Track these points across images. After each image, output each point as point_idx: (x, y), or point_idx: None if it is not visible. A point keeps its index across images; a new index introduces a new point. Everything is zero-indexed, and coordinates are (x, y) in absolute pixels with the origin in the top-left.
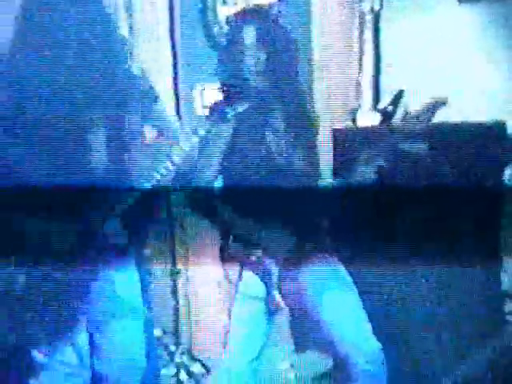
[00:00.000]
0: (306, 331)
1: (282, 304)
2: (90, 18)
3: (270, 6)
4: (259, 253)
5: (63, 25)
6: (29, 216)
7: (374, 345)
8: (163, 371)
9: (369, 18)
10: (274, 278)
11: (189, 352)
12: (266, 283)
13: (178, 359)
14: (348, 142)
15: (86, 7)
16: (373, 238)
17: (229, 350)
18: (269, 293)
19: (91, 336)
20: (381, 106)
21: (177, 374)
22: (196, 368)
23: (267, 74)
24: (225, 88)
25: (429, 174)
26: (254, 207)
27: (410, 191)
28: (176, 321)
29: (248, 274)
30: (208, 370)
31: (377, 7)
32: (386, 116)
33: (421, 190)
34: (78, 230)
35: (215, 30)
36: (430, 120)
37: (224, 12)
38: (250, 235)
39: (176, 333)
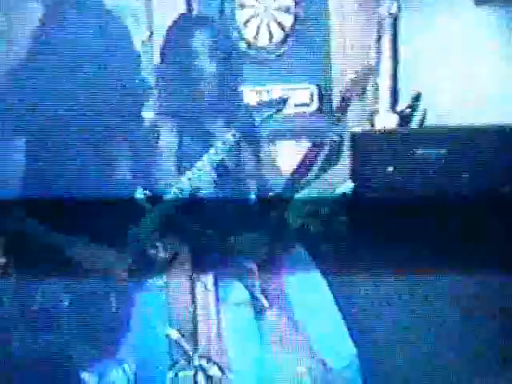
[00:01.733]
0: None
1: (267, 304)
2: (108, 27)
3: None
4: (238, 257)
5: (81, 38)
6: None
7: (350, 349)
8: (181, 374)
9: (387, 21)
10: (255, 281)
11: (207, 355)
12: (247, 286)
13: (196, 362)
14: (366, 145)
15: (103, 18)
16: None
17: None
18: (252, 296)
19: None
20: (398, 108)
21: (194, 377)
22: (213, 371)
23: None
24: None
25: (445, 179)
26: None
27: (422, 198)
28: (194, 323)
29: (228, 281)
30: (225, 374)
31: (394, 10)
32: (404, 119)
33: (433, 197)
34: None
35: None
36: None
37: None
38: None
39: (194, 336)
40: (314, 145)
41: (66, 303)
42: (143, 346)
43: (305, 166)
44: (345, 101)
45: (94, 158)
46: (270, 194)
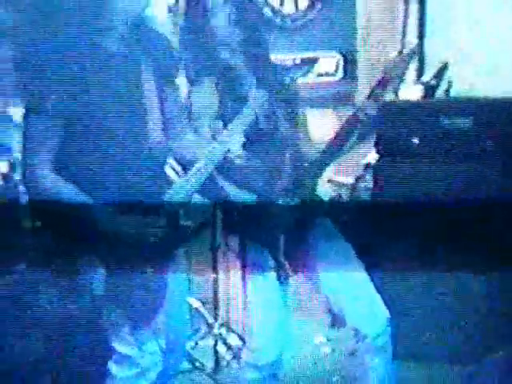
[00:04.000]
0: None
1: (291, 272)
2: None
3: None
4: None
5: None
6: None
7: (384, 314)
8: (201, 343)
9: None
10: (281, 247)
11: (227, 324)
12: (272, 253)
13: (216, 331)
14: (391, 116)
15: None
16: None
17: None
18: (277, 262)
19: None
20: (424, 78)
21: (215, 346)
22: (233, 340)
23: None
24: None
25: (471, 151)
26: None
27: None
28: (215, 293)
29: (252, 245)
30: (245, 343)
31: None
32: (429, 89)
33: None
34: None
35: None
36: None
37: None
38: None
39: (215, 305)
40: (352, 116)
41: (102, 273)
42: (172, 316)
43: (341, 136)
44: (385, 80)
45: (126, 127)
46: (303, 163)
